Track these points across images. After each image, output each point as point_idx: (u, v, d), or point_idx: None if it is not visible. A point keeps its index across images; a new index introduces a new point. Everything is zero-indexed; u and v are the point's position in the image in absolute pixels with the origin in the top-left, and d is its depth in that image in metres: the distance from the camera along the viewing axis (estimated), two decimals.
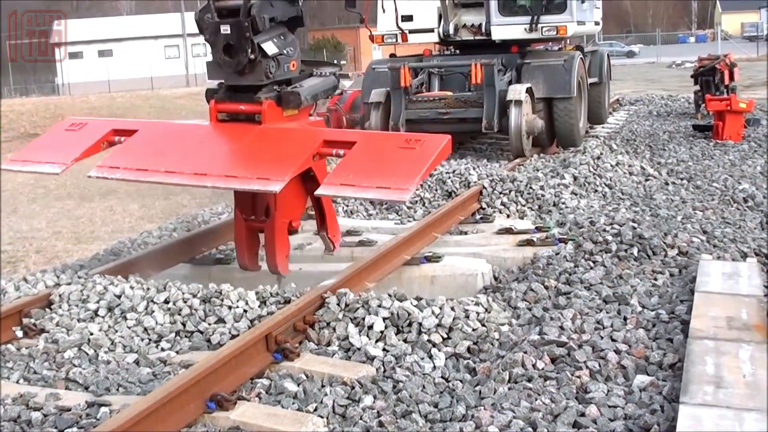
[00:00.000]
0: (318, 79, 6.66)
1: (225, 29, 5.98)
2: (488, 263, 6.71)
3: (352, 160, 5.62)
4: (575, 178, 9.81)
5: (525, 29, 12.70)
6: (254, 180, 5.63)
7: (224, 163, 5.98)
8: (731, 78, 17.30)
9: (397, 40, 13.57)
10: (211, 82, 6.51)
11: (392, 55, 13.89)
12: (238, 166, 5.91)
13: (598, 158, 11.10)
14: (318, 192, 5.61)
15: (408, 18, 13.43)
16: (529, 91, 12.15)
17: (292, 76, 6.43)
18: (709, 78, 17.25)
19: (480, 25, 13.30)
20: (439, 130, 13.18)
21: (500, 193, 8.96)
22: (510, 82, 12.39)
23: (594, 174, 10.20)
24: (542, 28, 12.65)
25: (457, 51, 14.54)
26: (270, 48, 6.09)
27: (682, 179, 10.77)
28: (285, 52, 6.26)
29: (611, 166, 10.83)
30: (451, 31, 13.36)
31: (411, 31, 13.48)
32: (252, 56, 6.00)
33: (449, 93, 12.59)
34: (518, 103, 11.78)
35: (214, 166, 5.86)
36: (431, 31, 13.46)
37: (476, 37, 13.44)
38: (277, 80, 6.29)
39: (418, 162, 5.47)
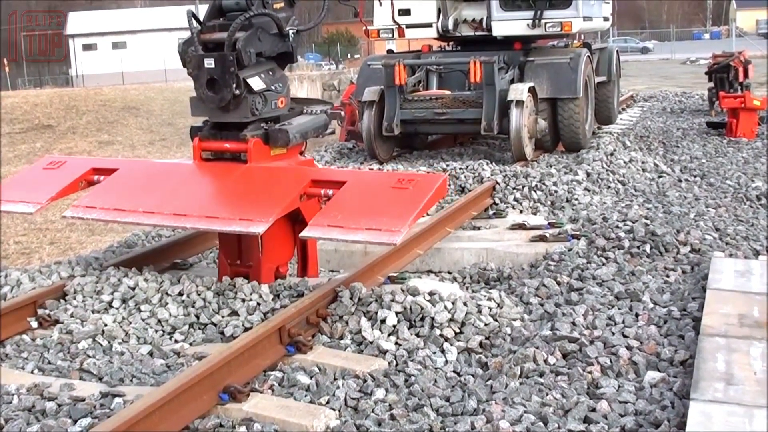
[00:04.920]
0: (308, 117, 6.36)
1: (209, 63, 5.77)
2: (460, 289, 6.12)
3: (342, 201, 5.40)
4: (588, 175, 9.80)
5: (528, 25, 11.80)
6: (236, 221, 5.41)
7: (206, 203, 5.77)
8: (745, 75, 17.21)
9: (393, 36, 12.69)
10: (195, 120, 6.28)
11: (389, 51, 13.26)
12: (220, 206, 5.69)
13: (611, 155, 11.06)
14: (303, 234, 5.32)
15: (405, 12, 12.51)
16: (531, 90, 11.35)
17: (281, 113, 6.15)
18: (723, 75, 17.15)
19: (481, 20, 12.47)
20: (435, 131, 12.93)
21: (513, 188, 8.97)
22: (512, 81, 11.58)
23: (607, 170, 10.18)
24: (546, 23, 11.74)
25: (459, 47, 13.48)
26: (256, 83, 5.85)
27: (695, 176, 10.75)
28: (273, 88, 6.00)
29: (624, 162, 10.80)
30: (451, 26, 12.58)
31: (408, 26, 12.54)
32: (237, 92, 5.76)
33: (446, 92, 11.80)
34: (519, 103, 10.93)
35: (196, 207, 5.66)
36: (429, 26, 12.52)
37: (477, 33, 12.65)
38: (265, 117, 6.03)
39: (411, 203, 5.25)
